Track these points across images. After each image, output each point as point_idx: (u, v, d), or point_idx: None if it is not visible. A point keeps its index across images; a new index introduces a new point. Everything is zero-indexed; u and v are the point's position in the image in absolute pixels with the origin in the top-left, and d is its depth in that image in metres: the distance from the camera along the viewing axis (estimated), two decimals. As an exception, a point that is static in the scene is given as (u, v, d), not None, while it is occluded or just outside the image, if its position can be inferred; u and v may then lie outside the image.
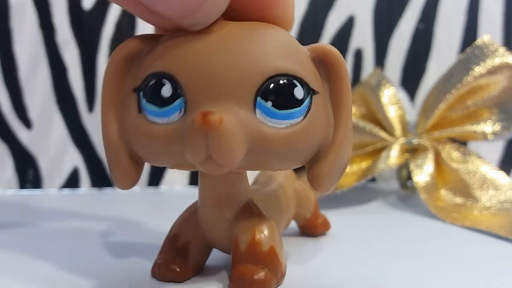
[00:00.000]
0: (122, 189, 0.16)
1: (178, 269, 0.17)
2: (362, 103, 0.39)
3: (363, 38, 0.44)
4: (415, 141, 0.35)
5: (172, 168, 0.15)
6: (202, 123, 0.12)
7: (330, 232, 0.24)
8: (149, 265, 0.18)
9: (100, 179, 0.41)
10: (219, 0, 0.13)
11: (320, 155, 0.15)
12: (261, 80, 0.13)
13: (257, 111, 0.14)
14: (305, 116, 0.14)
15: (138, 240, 0.23)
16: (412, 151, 0.35)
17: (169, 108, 0.14)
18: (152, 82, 0.14)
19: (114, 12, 0.40)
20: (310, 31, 0.43)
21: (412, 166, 0.33)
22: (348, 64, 0.43)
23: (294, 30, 0.41)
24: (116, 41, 0.40)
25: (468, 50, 0.33)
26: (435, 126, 0.35)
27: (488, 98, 0.33)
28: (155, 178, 0.42)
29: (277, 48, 0.14)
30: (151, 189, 0.41)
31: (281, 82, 0.14)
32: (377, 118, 0.38)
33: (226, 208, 0.17)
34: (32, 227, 0.26)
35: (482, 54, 0.32)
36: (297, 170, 0.17)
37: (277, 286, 0.16)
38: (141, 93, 0.14)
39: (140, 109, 0.15)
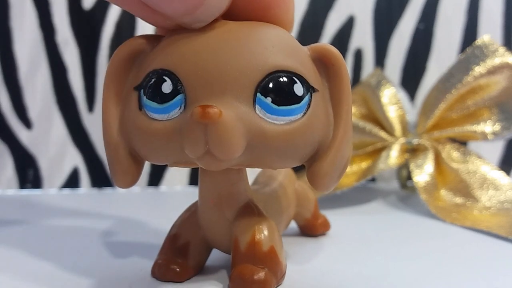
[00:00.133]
0: (121, 187, 0.16)
1: (178, 269, 0.17)
2: (362, 103, 0.39)
3: (363, 38, 0.44)
4: (415, 141, 0.35)
5: (171, 166, 0.15)
6: (201, 116, 0.13)
7: (330, 232, 0.24)
8: (149, 265, 0.18)
9: (100, 179, 0.41)
10: None
11: (319, 153, 0.15)
12: (261, 76, 0.14)
13: (257, 107, 0.14)
14: (304, 113, 0.14)
15: (138, 240, 0.23)
16: (412, 151, 0.35)
17: (169, 104, 0.14)
18: (152, 79, 0.14)
19: (114, 12, 0.40)
20: (310, 31, 0.43)
21: (412, 166, 0.33)
22: (348, 64, 0.43)
23: (294, 30, 0.41)
24: (116, 41, 0.40)
25: (468, 50, 0.33)
26: (435, 126, 0.35)
27: (488, 98, 0.33)
28: (155, 178, 0.42)
29: (277, 45, 0.14)
30: (151, 189, 0.41)
31: (280, 78, 0.14)
32: (377, 118, 0.38)
33: (226, 208, 0.17)
34: (32, 227, 0.26)
35: (482, 54, 0.32)
36: (297, 170, 0.17)
37: (277, 286, 0.16)
38: (142, 90, 0.15)
39: (140, 106, 0.15)
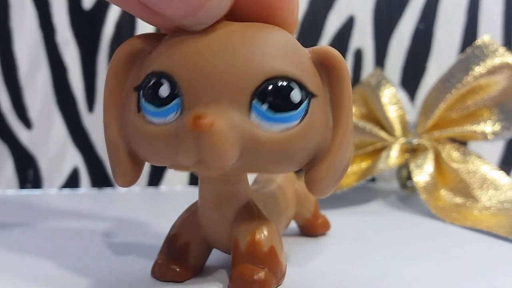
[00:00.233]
0: (121, 186, 0.16)
1: (178, 269, 0.17)
2: (362, 103, 0.39)
3: (363, 38, 0.44)
4: (415, 141, 0.35)
5: (170, 168, 0.15)
6: (193, 126, 0.12)
7: (330, 232, 0.24)
8: (149, 265, 0.18)
9: (100, 179, 0.41)
10: (221, 1, 0.13)
11: (317, 158, 0.15)
12: (258, 82, 0.13)
13: (252, 113, 0.13)
14: (301, 120, 0.14)
15: (138, 240, 0.23)
16: (412, 151, 0.35)
17: (167, 108, 0.14)
18: (151, 82, 0.14)
19: (114, 12, 0.40)
20: (310, 31, 0.43)
21: (412, 166, 0.33)
22: (348, 64, 0.43)
23: (294, 30, 0.41)
24: (116, 41, 0.40)
25: (468, 50, 0.33)
26: (435, 126, 0.35)
27: (488, 98, 0.33)
28: (155, 178, 0.42)
29: (276, 49, 0.14)
30: (151, 189, 0.41)
31: (278, 84, 0.13)
32: (377, 118, 0.38)
33: (226, 208, 0.17)
34: (32, 227, 0.26)
35: (482, 54, 0.32)
36: (297, 171, 0.17)
37: (277, 286, 0.16)
38: (141, 92, 0.14)
39: (139, 108, 0.15)
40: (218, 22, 0.14)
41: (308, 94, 0.14)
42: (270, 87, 0.13)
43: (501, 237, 0.24)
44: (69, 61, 0.40)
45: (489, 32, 0.42)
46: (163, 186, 0.42)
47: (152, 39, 0.15)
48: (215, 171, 0.13)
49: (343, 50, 0.43)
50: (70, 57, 0.40)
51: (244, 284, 0.15)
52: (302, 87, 0.14)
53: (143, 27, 0.40)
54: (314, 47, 0.15)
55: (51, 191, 0.40)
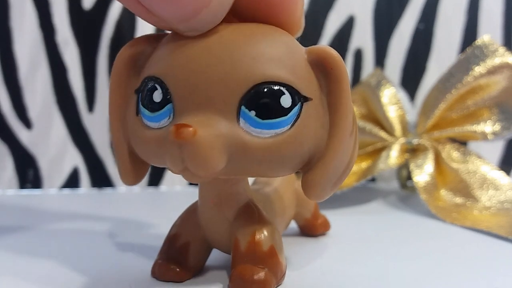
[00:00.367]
0: (126, 185, 0.16)
1: (177, 269, 0.17)
2: (362, 103, 0.39)
3: (363, 38, 0.44)
4: (415, 141, 0.35)
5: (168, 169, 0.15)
6: (175, 136, 0.12)
7: (330, 232, 0.24)
8: (149, 265, 0.18)
9: (100, 179, 0.41)
10: (217, 10, 0.13)
11: (313, 162, 0.14)
12: (246, 89, 0.13)
13: (241, 120, 0.13)
14: (292, 125, 0.14)
15: (138, 240, 0.23)
16: (412, 151, 0.35)
17: (160, 113, 0.14)
18: (147, 86, 0.14)
19: (114, 12, 0.40)
20: (310, 31, 0.43)
21: (412, 166, 0.33)
22: (348, 64, 0.43)
23: (294, 30, 0.41)
24: (116, 41, 0.40)
25: (468, 50, 0.33)
26: (435, 126, 0.35)
27: (488, 98, 0.33)
28: (155, 178, 0.42)
29: (268, 53, 0.14)
30: (151, 189, 0.41)
31: (266, 90, 0.13)
32: (377, 118, 0.38)
33: (226, 208, 0.17)
34: (32, 227, 0.26)
35: (482, 54, 0.32)
36: (297, 171, 0.17)
37: (277, 286, 0.16)
38: (140, 95, 0.15)
39: (137, 111, 0.15)
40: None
41: (300, 99, 0.14)
42: (258, 93, 0.13)
43: (501, 237, 0.24)
44: (69, 61, 0.40)
45: (489, 32, 0.41)
46: (163, 186, 0.42)
47: (153, 41, 0.15)
48: (202, 178, 0.14)
49: (343, 50, 0.43)
50: (70, 57, 0.40)
51: (244, 284, 0.15)
52: (293, 91, 0.14)
53: (143, 27, 0.40)
54: (311, 47, 0.15)
55: (51, 191, 0.40)
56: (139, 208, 0.34)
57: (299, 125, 0.14)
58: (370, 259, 0.20)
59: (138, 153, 0.15)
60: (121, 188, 0.41)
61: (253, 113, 0.13)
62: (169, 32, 0.15)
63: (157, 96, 0.14)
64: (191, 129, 0.12)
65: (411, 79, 0.44)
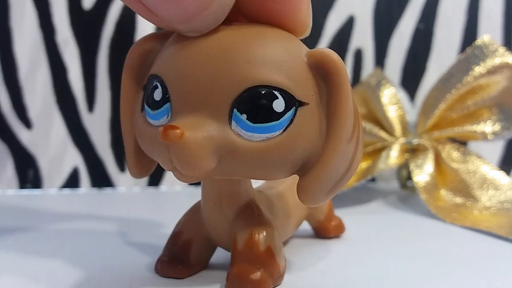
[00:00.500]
0: (132, 177, 0.17)
1: (179, 266, 0.17)
2: (362, 103, 0.39)
3: (363, 38, 0.44)
4: (415, 141, 0.35)
5: None
6: (163, 137, 0.13)
7: (330, 232, 0.24)
8: (149, 264, 0.18)
9: (100, 179, 0.41)
10: (217, 12, 0.13)
11: (308, 167, 0.14)
12: (238, 92, 0.13)
13: (233, 122, 0.13)
14: (285, 130, 0.13)
15: (138, 240, 0.23)
16: (412, 151, 0.35)
17: (159, 111, 0.14)
18: (150, 84, 0.15)
19: (114, 12, 0.40)
20: (310, 31, 0.42)
21: (412, 166, 0.33)
22: (348, 64, 0.43)
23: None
24: (116, 41, 0.40)
25: (468, 50, 0.33)
26: (435, 126, 0.35)
27: (488, 98, 0.33)
28: (155, 178, 0.42)
29: (264, 57, 0.13)
30: (151, 189, 0.41)
31: (258, 94, 0.13)
32: (377, 118, 0.38)
33: (227, 207, 0.17)
34: (32, 227, 0.26)
35: (482, 54, 0.32)
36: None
37: (275, 287, 0.16)
38: (145, 93, 0.15)
39: (142, 108, 0.15)
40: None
41: (295, 103, 0.13)
42: (250, 97, 0.13)
43: (501, 237, 0.24)
44: (69, 61, 0.40)
45: (489, 32, 0.41)
46: (163, 186, 0.42)
47: (162, 38, 0.16)
48: (191, 178, 0.14)
49: (343, 50, 0.43)
50: (70, 57, 0.40)
51: (240, 284, 0.15)
52: (287, 96, 0.13)
53: (143, 28, 0.40)
54: (311, 50, 0.14)
55: (51, 191, 0.40)
56: (139, 208, 0.34)
57: (292, 130, 0.13)
58: (370, 259, 0.20)
59: (142, 148, 0.16)
60: (121, 188, 0.41)
61: (244, 116, 0.13)
62: None
63: (158, 94, 0.14)
64: (177, 131, 0.12)
65: (411, 79, 0.44)
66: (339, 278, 0.17)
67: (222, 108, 0.13)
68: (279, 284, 0.17)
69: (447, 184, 0.33)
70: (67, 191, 0.40)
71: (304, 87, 0.14)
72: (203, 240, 0.18)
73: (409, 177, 0.38)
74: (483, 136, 0.32)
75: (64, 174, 0.40)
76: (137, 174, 0.17)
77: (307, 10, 0.15)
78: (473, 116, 0.33)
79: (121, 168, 0.41)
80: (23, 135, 0.40)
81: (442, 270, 0.19)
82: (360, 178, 0.33)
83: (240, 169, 0.14)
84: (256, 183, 0.19)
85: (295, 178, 0.15)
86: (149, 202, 0.37)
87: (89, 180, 0.41)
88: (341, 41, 0.43)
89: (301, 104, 0.14)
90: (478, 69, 0.32)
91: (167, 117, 0.14)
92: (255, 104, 0.13)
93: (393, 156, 0.34)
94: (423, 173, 0.33)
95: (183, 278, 0.17)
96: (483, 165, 0.33)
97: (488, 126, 0.32)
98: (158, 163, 0.15)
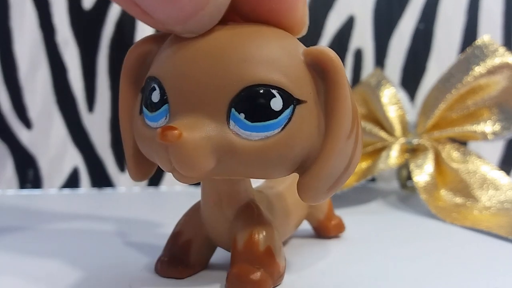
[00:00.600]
0: (133, 180, 0.17)
1: (179, 266, 0.17)
2: (362, 103, 0.39)
3: (363, 38, 0.44)
4: (415, 141, 0.35)
5: None
6: (161, 138, 0.13)
7: (330, 232, 0.24)
8: (149, 264, 0.18)
9: (100, 179, 0.41)
10: (213, 12, 0.13)
11: (307, 165, 0.14)
12: (236, 91, 0.13)
13: (231, 122, 0.13)
14: (283, 128, 0.13)
15: (138, 240, 0.23)
16: (412, 151, 0.35)
17: (157, 113, 0.14)
18: (148, 86, 0.15)
19: (114, 12, 0.40)
20: (310, 31, 0.42)
21: (412, 166, 0.33)
22: (348, 64, 0.43)
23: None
24: (116, 41, 0.40)
25: (468, 50, 0.33)
26: (435, 126, 0.35)
27: (488, 98, 0.33)
28: (155, 178, 0.42)
29: (260, 56, 0.13)
30: (151, 189, 0.41)
31: (256, 93, 0.13)
32: (377, 118, 0.38)
33: (226, 207, 0.17)
34: (32, 228, 0.26)
35: (482, 54, 0.32)
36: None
37: (275, 287, 0.16)
38: (143, 95, 0.15)
39: (140, 110, 0.15)
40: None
41: (293, 101, 0.13)
42: (248, 96, 0.13)
43: (501, 237, 0.24)
44: (69, 61, 0.40)
45: (489, 32, 0.41)
46: (163, 186, 0.42)
47: (159, 40, 0.16)
48: (191, 178, 0.14)
49: (343, 50, 0.43)
50: (70, 57, 0.40)
51: (240, 284, 0.15)
52: (285, 94, 0.13)
53: (143, 28, 0.40)
54: (308, 48, 0.14)
55: (51, 191, 0.40)
56: (139, 208, 0.34)
57: (291, 128, 0.13)
58: (370, 259, 0.20)
59: (141, 150, 0.16)
60: (121, 188, 0.41)
61: (242, 115, 0.13)
62: None
63: (156, 96, 0.14)
64: (175, 131, 0.12)
65: (411, 79, 0.44)
66: (339, 278, 0.17)
67: (220, 108, 0.13)
68: (279, 284, 0.17)
69: (447, 184, 0.33)
70: (67, 191, 0.40)
71: (301, 85, 0.14)
72: (203, 240, 0.18)
73: (409, 177, 0.38)
74: (483, 136, 0.32)
75: (64, 174, 0.40)
76: (137, 178, 0.17)
77: (303, 8, 0.15)
78: (473, 116, 0.33)
79: (121, 168, 0.41)
80: (23, 135, 0.40)
81: (442, 270, 0.19)
82: (360, 178, 0.33)
83: (239, 168, 0.14)
84: (255, 183, 0.19)
85: (294, 177, 0.15)
86: (149, 202, 0.37)
87: (89, 180, 0.41)
88: (341, 41, 0.43)
89: (299, 102, 0.14)
90: (478, 69, 0.32)
91: (166, 119, 0.14)
92: (253, 103, 0.13)
93: (393, 156, 0.34)
94: (423, 173, 0.33)
95: (183, 278, 0.17)
96: (483, 165, 0.33)
97: (488, 126, 0.32)
98: (158, 165, 0.15)
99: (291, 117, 0.13)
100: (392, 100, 0.37)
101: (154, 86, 0.14)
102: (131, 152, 0.16)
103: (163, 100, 0.14)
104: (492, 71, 0.32)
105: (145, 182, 0.42)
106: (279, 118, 0.13)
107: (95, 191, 0.40)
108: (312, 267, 0.19)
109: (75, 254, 0.21)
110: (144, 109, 0.15)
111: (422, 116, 0.35)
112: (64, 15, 0.40)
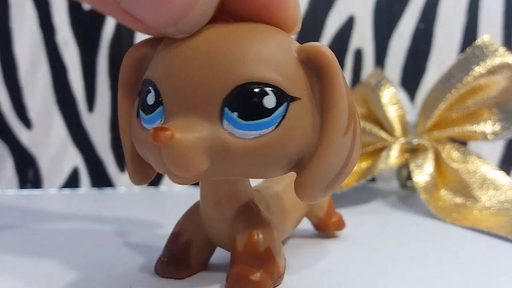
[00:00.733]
0: (133, 183, 0.17)
1: (179, 266, 0.17)
2: (362, 103, 0.39)
3: (363, 38, 0.44)
4: (415, 141, 0.35)
5: None
6: (153, 139, 0.13)
7: (330, 232, 0.24)
8: (148, 264, 0.18)
9: (100, 179, 0.41)
10: (204, 9, 0.13)
11: (304, 163, 0.14)
12: (228, 90, 0.13)
13: (224, 121, 0.13)
14: (277, 126, 0.13)
15: (138, 240, 0.23)
16: (412, 151, 0.35)
17: (153, 115, 0.14)
18: (144, 89, 0.15)
19: (114, 12, 0.40)
20: (310, 31, 0.43)
21: (412, 166, 0.33)
22: (348, 64, 0.44)
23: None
24: (116, 41, 0.40)
25: (468, 50, 0.33)
26: (435, 126, 0.35)
27: (488, 98, 0.33)
28: (155, 178, 0.42)
29: (252, 54, 0.13)
30: (151, 189, 0.41)
31: (248, 91, 0.13)
32: (377, 118, 0.38)
33: (226, 207, 0.17)
34: (32, 227, 0.26)
35: (482, 54, 0.32)
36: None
37: (275, 287, 0.16)
38: (140, 98, 0.15)
39: (138, 113, 0.15)
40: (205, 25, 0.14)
41: (287, 99, 0.13)
42: (240, 95, 0.13)
43: (501, 237, 0.24)
44: (69, 61, 0.40)
45: (489, 32, 0.42)
46: (163, 186, 0.42)
47: (154, 43, 0.16)
48: (184, 180, 0.14)
49: (343, 50, 0.43)
50: (70, 57, 0.40)
51: (240, 284, 0.15)
52: (278, 91, 0.13)
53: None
54: (301, 45, 0.14)
55: (51, 191, 0.40)
56: (139, 208, 0.34)
57: (285, 126, 0.13)
58: (370, 259, 0.20)
59: (139, 153, 0.16)
60: (121, 188, 0.41)
61: (235, 114, 0.13)
62: None
63: (151, 98, 0.14)
64: (167, 132, 0.12)
65: (411, 79, 0.44)
66: (339, 278, 0.17)
67: (213, 108, 0.13)
68: (279, 284, 0.17)
69: (447, 184, 0.33)
70: (67, 191, 0.40)
71: (295, 82, 0.14)
72: (203, 240, 0.18)
73: (409, 177, 0.38)
74: (483, 136, 0.32)
75: (64, 174, 0.40)
76: (137, 181, 0.17)
77: (294, 4, 0.15)
78: (473, 116, 0.33)
79: (121, 168, 0.41)
80: (23, 135, 0.40)
81: (442, 270, 0.19)
82: (360, 178, 0.33)
83: (234, 168, 0.14)
84: (253, 183, 0.19)
85: (292, 176, 0.15)
86: (149, 202, 0.37)
87: (89, 180, 0.41)
88: (341, 41, 0.43)
89: (292, 99, 0.13)
90: (478, 69, 0.32)
91: (161, 120, 0.14)
92: (246, 101, 0.13)
93: (393, 156, 0.34)
94: (423, 173, 0.33)
95: (183, 278, 0.17)
96: (483, 165, 0.33)
97: (488, 126, 0.32)
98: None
99: (285, 114, 0.13)
100: (392, 100, 0.37)
101: (149, 89, 0.14)
102: (131, 156, 0.16)
103: (158, 102, 0.14)
104: (492, 71, 0.32)
105: (145, 182, 0.42)
106: (273, 116, 0.13)
107: (95, 191, 0.40)
108: (312, 267, 0.19)
109: (75, 254, 0.21)
110: (141, 112, 0.15)
111: (422, 116, 0.35)
112: (64, 15, 0.40)
